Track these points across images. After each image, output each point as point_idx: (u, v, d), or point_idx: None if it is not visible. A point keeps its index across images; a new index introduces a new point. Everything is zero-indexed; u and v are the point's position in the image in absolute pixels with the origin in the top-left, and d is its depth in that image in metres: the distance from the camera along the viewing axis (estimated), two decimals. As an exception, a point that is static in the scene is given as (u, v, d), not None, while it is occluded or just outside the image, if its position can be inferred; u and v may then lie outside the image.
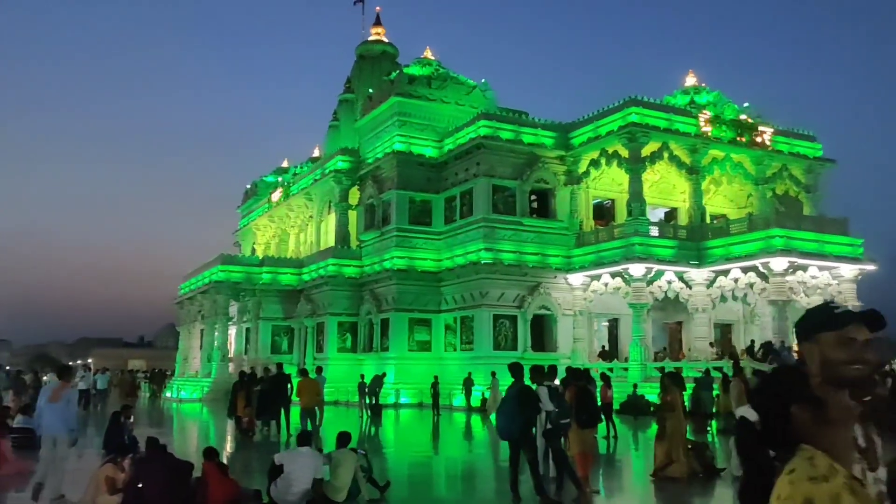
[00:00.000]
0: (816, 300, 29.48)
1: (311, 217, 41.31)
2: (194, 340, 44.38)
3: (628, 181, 30.28)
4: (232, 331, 39.75)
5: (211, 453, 8.59)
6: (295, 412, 17.13)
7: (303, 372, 17.68)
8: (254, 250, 48.85)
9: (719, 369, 23.87)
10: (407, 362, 31.35)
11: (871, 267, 28.09)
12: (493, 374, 26.36)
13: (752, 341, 31.62)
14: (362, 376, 25.52)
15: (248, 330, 39.39)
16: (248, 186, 53.22)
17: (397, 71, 35.22)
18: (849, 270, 27.76)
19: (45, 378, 27.44)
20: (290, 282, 38.06)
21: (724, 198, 34.42)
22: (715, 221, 32.02)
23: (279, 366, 18.85)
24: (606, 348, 33.03)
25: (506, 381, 9.73)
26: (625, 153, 29.41)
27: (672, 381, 11.30)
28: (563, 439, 9.36)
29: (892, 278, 31.94)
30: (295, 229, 43.76)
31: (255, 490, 8.73)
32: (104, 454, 9.95)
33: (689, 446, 10.93)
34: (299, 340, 37.72)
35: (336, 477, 8.20)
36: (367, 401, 24.57)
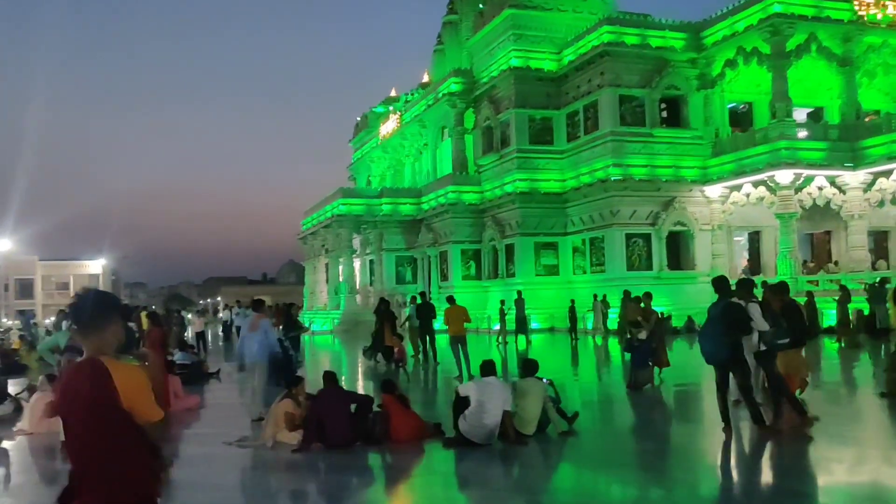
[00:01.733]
0: None
1: (426, 145, 40.55)
2: (320, 274, 45.21)
3: (770, 80, 27.64)
4: (356, 263, 40.06)
5: (390, 386, 8.05)
6: (442, 340, 16.67)
7: (450, 299, 17.14)
8: (369, 182, 48.81)
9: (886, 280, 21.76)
10: (535, 287, 30.38)
11: None
12: (595, 295, 25.26)
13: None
14: (503, 302, 24.73)
15: (371, 262, 39.60)
16: (359, 119, 52.93)
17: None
18: None
19: (188, 315, 28.40)
20: (410, 212, 37.74)
21: (879, 91, 30.90)
22: (868, 119, 28.86)
23: (422, 294, 18.29)
24: (748, 263, 31.02)
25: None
26: (766, 49, 26.68)
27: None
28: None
29: None
30: (410, 158, 43.20)
31: (436, 423, 8.16)
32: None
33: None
34: (423, 270, 37.57)
35: (524, 408, 7.45)
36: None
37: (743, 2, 27.64)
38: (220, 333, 32.91)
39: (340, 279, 40.15)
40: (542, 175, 31.67)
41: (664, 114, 29.57)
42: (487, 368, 7.48)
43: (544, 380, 7.85)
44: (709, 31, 28.99)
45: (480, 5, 37.45)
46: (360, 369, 17.84)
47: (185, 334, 24.85)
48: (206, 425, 10.31)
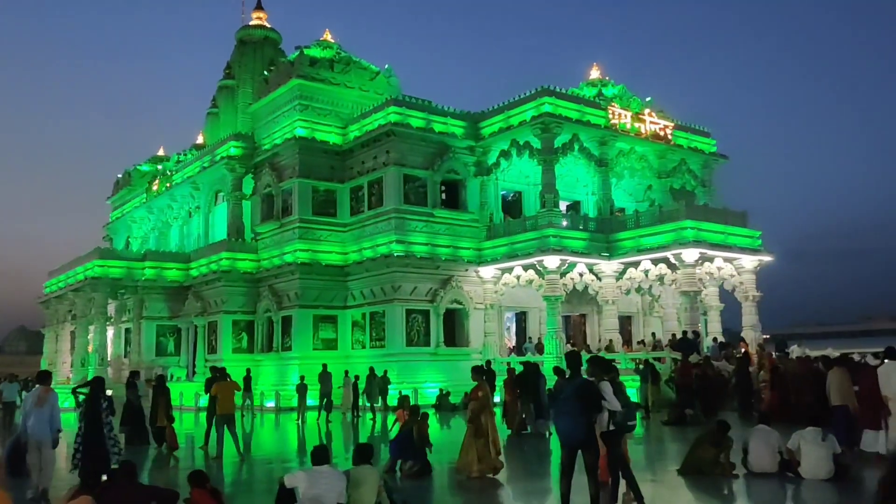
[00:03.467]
0: (714, 291, 30.60)
1: (197, 208, 38.42)
2: (63, 343, 40.27)
3: (539, 173, 30.10)
4: (109, 332, 36.26)
5: (200, 478, 7.04)
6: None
7: (221, 371, 15.83)
8: (129, 244, 45.03)
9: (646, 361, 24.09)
10: (312, 362, 29.44)
11: (768, 258, 29.28)
12: (346, 372, 25.30)
13: (654, 333, 32.42)
14: (302, 377, 23.54)
15: (127, 331, 36.13)
16: (120, 176, 49.07)
17: (297, 52, 33.20)
18: (749, 262, 28.77)
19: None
20: (176, 277, 35.21)
21: (624, 192, 34.95)
22: (616, 214, 32.43)
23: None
24: (513, 343, 32.80)
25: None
26: (538, 144, 29.11)
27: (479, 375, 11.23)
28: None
29: (786, 269, 33.64)
30: (179, 221, 40.61)
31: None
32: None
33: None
34: (187, 341, 34.98)
35: (358, 500, 6.88)
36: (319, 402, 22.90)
37: (518, 98, 30.07)
38: None
39: (90, 349, 36.06)
40: (324, 247, 31.30)
41: (444, 195, 30.84)
42: (320, 455, 6.84)
43: (380, 466, 7.36)
44: (486, 122, 31.04)
45: (266, 72, 37.02)
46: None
47: None
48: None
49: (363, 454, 7.25)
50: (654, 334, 32.13)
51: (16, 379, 23.85)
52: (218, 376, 15.34)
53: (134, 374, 18.60)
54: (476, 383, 11.06)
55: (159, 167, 42.46)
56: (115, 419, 12.84)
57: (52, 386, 10.65)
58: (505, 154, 30.39)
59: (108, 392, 12.52)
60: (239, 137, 34.78)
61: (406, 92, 32.73)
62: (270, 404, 28.72)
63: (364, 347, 30.16)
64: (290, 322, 30.79)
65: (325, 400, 23.40)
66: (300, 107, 31.91)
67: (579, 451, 7.42)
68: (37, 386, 10.47)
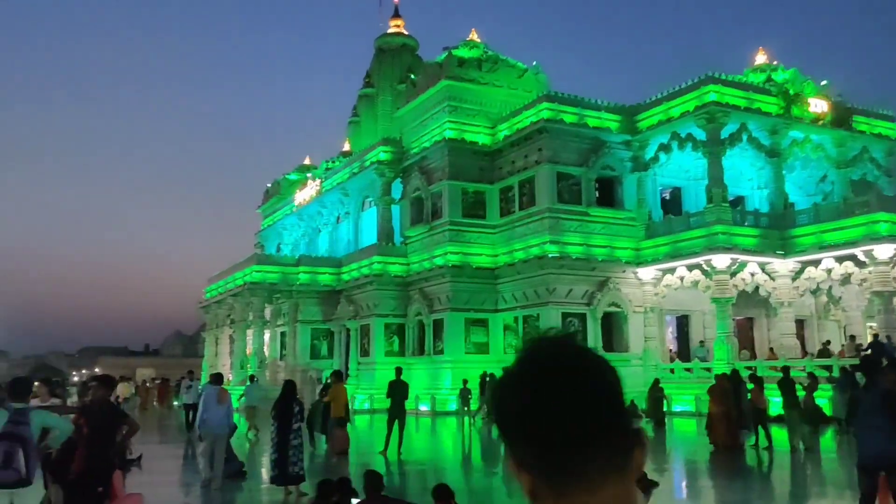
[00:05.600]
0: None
1: (347, 213, 39.03)
2: (223, 346, 41.99)
3: (700, 167, 28.24)
4: (265, 335, 37.40)
5: (445, 491, 6.32)
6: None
7: (337, 375, 15.80)
8: (279, 250, 46.50)
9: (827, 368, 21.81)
10: (464, 366, 28.96)
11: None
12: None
13: (828, 341, 29.34)
14: (465, 381, 22.99)
15: (283, 334, 37.09)
16: (269, 185, 50.98)
17: (445, 53, 32.91)
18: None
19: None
20: (328, 282, 35.78)
21: (793, 184, 32.16)
22: (790, 209, 29.81)
23: (398, 370, 16.47)
24: (674, 349, 30.88)
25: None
26: (701, 135, 27.21)
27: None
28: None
29: None
30: (328, 227, 41.46)
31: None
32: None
33: None
34: (340, 344, 35.43)
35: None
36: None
37: (678, 89, 28.26)
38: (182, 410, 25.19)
39: (248, 352, 37.33)
40: (475, 249, 30.73)
41: (599, 193, 29.47)
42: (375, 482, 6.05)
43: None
44: (643, 115, 29.42)
45: (409, 77, 37.10)
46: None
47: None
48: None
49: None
50: (828, 341, 29.16)
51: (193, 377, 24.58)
52: (333, 380, 15.22)
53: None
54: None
55: (309, 175, 43.53)
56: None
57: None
58: (664, 148, 28.66)
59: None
60: (387, 142, 34.92)
61: (555, 89, 31.70)
62: (424, 408, 28.42)
63: (517, 352, 29.22)
64: (442, 325, 30.41)
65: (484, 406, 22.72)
66: (449, 108, 31.54)
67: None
68: (212, 385, 11.54)
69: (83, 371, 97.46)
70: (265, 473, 12.22)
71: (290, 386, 10.91)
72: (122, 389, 25.06)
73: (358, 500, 6.22)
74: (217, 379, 11.99)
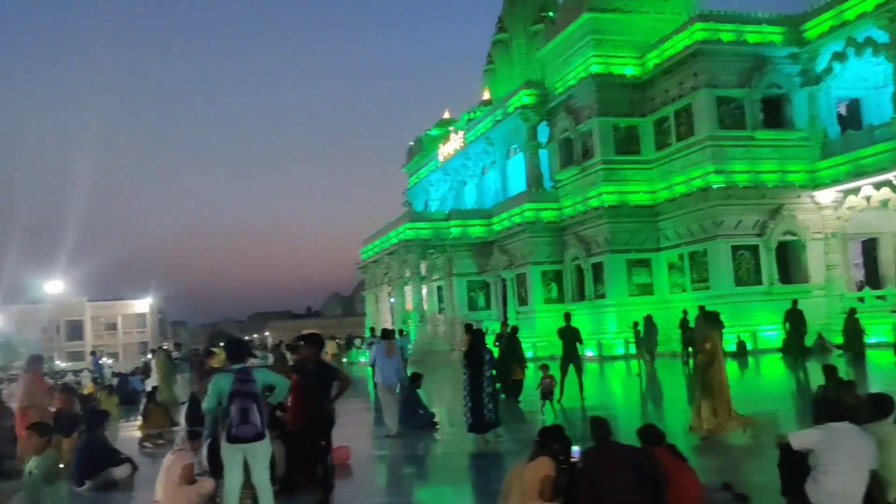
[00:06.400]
0: None
1: (493, 163, 38.66)
2: (383, 304, 43.29)
3: (881, 73, 25.46)
4: (423, 290, 38.07)
5: (657, 436, 5.88)
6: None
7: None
8: (427, 206, 46.99)
9: None
10: (628, 308, 28.00)
11: None
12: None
13: None
14: (636, 323, 22.02)
15: (440, 288, 37.60)
16: (412, 143, 51.43)
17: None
18: None
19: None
20: (480, 234, 35.74)
21: None
22: None
23: (567, 316, 16.07)
24: (861, 276, 28.40)
25: None
26: (883, 38, 24.31)
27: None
28: None
29: None
30: (475, 179, 41.32)
31: (723, 483, 5.98)
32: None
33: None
34: (496, 295, 35.45)
35: (887, 465, 5.20)
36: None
37: (853, -13, 25.35)
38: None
39: (407, 308, 38.22)
40: (631, 187, 29.47)
41: (765, 114, 27.18)
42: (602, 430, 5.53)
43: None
44: (812, 23, 26.73)
45: (548, 13, 35.81)
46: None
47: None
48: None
49: (879, 406, 5.49)
50: None
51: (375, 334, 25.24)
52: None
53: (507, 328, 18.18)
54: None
55: (451, 128, 43.42)
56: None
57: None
58: (838, 56, 25.94)
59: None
60: (530, 85, 33.98)
61: (706, 7, 29.39)
62: (590, 353, 27.87)
63: (684, 291, 27.94)
64: (601, 269, 29.57)
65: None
66: (593, 42, 30.08)
67: None
68: (382, 340, 12.23)
69: (254, 335, 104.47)
70: (451, 423, 12.25)
71: (478, 335, 10.71)
72: (331, 347, 26.43)
73: (588, 447, 5.86)
74: (387, 334, 12.48)
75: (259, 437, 5.70)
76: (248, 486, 6.13)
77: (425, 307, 37.74)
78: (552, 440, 5.97)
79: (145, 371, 26.48)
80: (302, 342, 7.61)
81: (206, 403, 5.88)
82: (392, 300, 42.21)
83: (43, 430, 6.57)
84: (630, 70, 30.13)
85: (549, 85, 33.68)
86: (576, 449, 6.13)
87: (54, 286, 58.19)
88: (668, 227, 28.65)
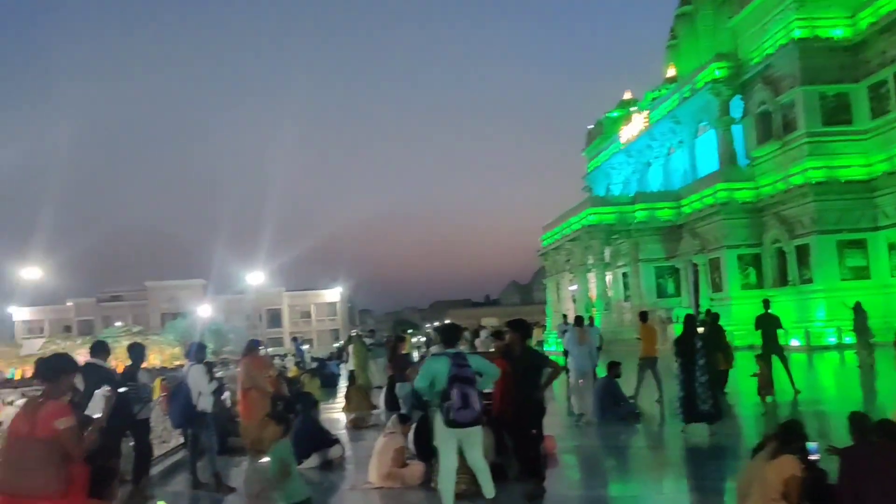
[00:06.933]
0: None
1: (680, 143, 36.75)
2: (564, 292, 42.66)
3: None
4: (607, 277, 37.03)
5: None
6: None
7: (642, 315, 14.38)
8: (608, 191, 45.65)
9: None
10: (839, 294, 25.39)
11: None
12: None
13: None
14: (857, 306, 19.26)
15: (625, 275, 36.37)
16: (591, 127, 50.21)
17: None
18: None
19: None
20: (668, 217, 34.12)
21: None
22: None
23: (766, 302, 14.82)
24: None
25: None
26: None
27: None
28: None
29: None
30: (660, 160, 39.55)
31: None
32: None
33: None
34: (687, 281, 33.63)
35: None
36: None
37: None
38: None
39: (591, 295, 37.35)
40: (841, 161, 26.74)
41: None
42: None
43: None
44: None
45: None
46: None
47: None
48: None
49: None
50: None
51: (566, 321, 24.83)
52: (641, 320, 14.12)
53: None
54: None
55: (634, 109, 41.84)
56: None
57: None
58: None
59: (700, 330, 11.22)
60: (722, 57, 31.82)
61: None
62: (796, 342, 25.66)
63: (909, 274, 24.97)
64: (807, 251, 27.14)
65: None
66: (796, 4, 27.55)
67: None
68: (574, 327, 12.54)
69: (435, 323, 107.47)
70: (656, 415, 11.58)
71: (689, 321, 9.99)
72: (537, 333, 26.52)
73: (848, 446, 5.12)
74: (578, 321, 13.10)
75: (477, 421, 5.71)
76: (462, 471, 6.06)
77: (610, 294, 36.69)
78: (795, 437, 5.31)
79: (339, 356, 27.90)
80: (508, 328, 7.41)
81: (418, 383, 5.90)
82: (573, 287, 41.44)
83: (280, 417, 6.86)
84: (839, 32, 27.31)
85: (742, 56, 31.38)
86: (812, 446, 5.46)
87: (255, 277, 62.98)
88: (888, 203, 25.70)
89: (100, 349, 7.07)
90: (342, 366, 23.71)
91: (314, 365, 25.82)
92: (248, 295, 72.15)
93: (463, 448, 5.83)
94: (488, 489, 5.95)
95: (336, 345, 51.32)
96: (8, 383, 41.61)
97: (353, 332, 23.80)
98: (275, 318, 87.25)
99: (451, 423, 5.60)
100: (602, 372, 12.22)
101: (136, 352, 7.27)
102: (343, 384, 19.93)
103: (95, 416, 6.04)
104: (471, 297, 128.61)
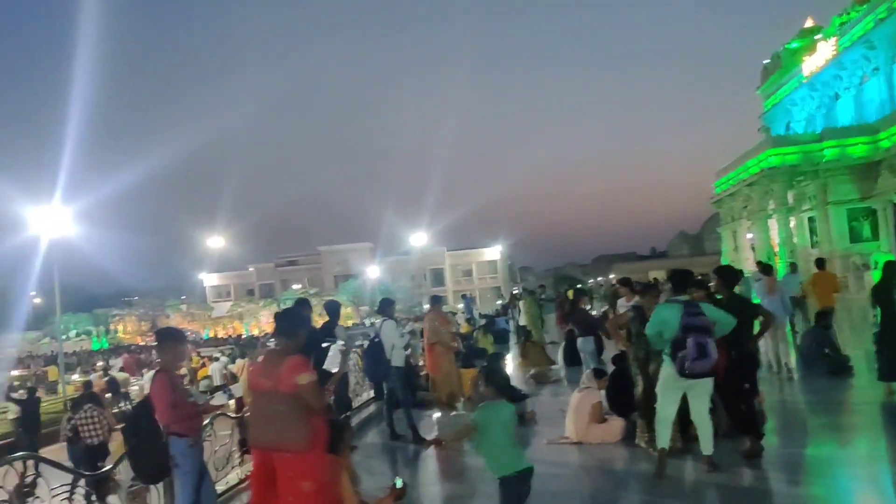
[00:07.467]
0: None
1: (875, 70, 33.03)
2: (741, 240, 40.10)
3: None
4: (790, 222, 34.28)
5: None
6: None
7: (819, 262, 12.81)
8: (788, 130, 42.10)
9: None
10: None
11: None
12: None
13: None
14: None
15: (811, 219, 33.51)
16: (767, 62, 46.27)
17: None
18: None
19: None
20: (862, 153, 30.91)
21: None
22: None
23: None
24: None
25: None
26: None
27: None
28: None
29: None
30: (850, 91, 35.81)
31: None
32: None
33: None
34: (887, 223, 30.44)
35: None
36: None
37: None
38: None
39: (773, 243, 34.82)
40: None
41: None
42: None
43: None
44: None
45: None
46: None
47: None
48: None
49: None
50: None
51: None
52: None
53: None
54: None
55: (816, 38, 38.06)
56: None
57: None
58: None
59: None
60: (925, -33, 28.09)
61: None
62: None
63: None
64: None
65: None
66: None
67: None
68: (762, 275, 11.64)
69: (599, 278, 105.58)
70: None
71: (890, 267, 8.80)
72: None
73: None
74: (767, 269, 12.07)
75: (712, 372, 5.52)
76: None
77: (795, 241, 34.00)
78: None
79: (505, 312, 27.95)
80: (715, 275, 6.91)
81: (649, 330, 5.74)
82: (750, 235, 38.83)
83: (489, 379, 6.71)
84: None
85: (952, -37, 27.45)
86: None
87: (419, 238, 64.59)
88: None
89: (304, 305, 7.27)
90: (510, 322, 23.70)
91: (483, 322, 26.05)
92: (412, 256, 74.44)
93: (689, 398, 5.65)
94: (707, 445, 5.65)
95: (499, 301, 51.63)
96: (206, 343, 46.28)
97: (519, 289, 23.65)
98: (438, 278, 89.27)
99: (686, 373, 5.41)
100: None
101: (332, 308, 7.42)
102: (513, 340, 19.92)
103: (333, 370, 6.29)
104: (636, 251, 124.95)
